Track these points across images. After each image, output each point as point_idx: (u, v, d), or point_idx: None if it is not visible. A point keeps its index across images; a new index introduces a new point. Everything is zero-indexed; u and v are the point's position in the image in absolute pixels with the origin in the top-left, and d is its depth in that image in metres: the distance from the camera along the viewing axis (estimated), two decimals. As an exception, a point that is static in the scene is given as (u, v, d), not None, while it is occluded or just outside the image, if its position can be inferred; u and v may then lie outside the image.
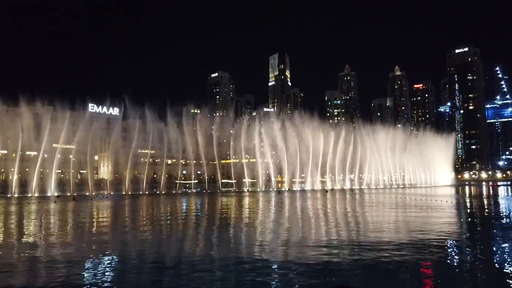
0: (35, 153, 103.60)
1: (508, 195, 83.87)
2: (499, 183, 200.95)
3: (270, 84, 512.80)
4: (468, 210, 48.50)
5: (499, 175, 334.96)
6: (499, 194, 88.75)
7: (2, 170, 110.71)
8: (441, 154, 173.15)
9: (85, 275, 16.59)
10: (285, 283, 15.24)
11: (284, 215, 43.66)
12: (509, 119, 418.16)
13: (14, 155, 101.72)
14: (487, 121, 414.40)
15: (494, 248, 22.42)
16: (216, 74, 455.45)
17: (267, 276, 16.17)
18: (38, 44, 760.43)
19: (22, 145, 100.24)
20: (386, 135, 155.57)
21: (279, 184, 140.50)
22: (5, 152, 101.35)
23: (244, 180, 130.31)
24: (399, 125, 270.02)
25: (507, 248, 22.24)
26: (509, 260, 19.33)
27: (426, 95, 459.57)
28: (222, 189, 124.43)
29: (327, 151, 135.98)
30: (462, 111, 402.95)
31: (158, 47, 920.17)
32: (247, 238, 26.77)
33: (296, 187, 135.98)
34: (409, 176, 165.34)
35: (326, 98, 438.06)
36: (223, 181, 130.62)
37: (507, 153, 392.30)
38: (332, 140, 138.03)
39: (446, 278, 15.92)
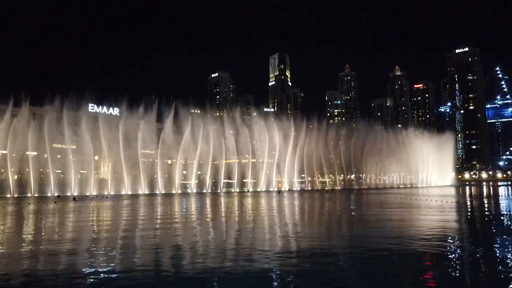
0: (35, 153, 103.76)
1: (508, 195, 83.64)
2: (499, 183, 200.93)
3: (270, 84, 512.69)
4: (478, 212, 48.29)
5: (499, 175, 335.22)
6: (500, 194, 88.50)
7: (2, 170, 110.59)
8: (441, 154, 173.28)
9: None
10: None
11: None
12: (510, 119, 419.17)
13: (14, 155, 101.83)
14: (488, 121, 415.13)
15: None
16: (216, 74, 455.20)
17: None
18: (38, 44, 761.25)
19: (22, 145, 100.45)
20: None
21: (279, 184, 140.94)
22: (5, 152, 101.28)
23: (244, 180, 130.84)
24: (399, 125, 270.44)
25: None
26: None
27: (426, 95, 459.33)
28: (223, 189, 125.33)
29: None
30: (462, 111, 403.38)
31: (158, 47, 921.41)
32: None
33: (296, 187, 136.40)
34: (409, 176, 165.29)
35: (326, 98, 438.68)
36: (224, 181, 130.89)
37: (508, 153, 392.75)
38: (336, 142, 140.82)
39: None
